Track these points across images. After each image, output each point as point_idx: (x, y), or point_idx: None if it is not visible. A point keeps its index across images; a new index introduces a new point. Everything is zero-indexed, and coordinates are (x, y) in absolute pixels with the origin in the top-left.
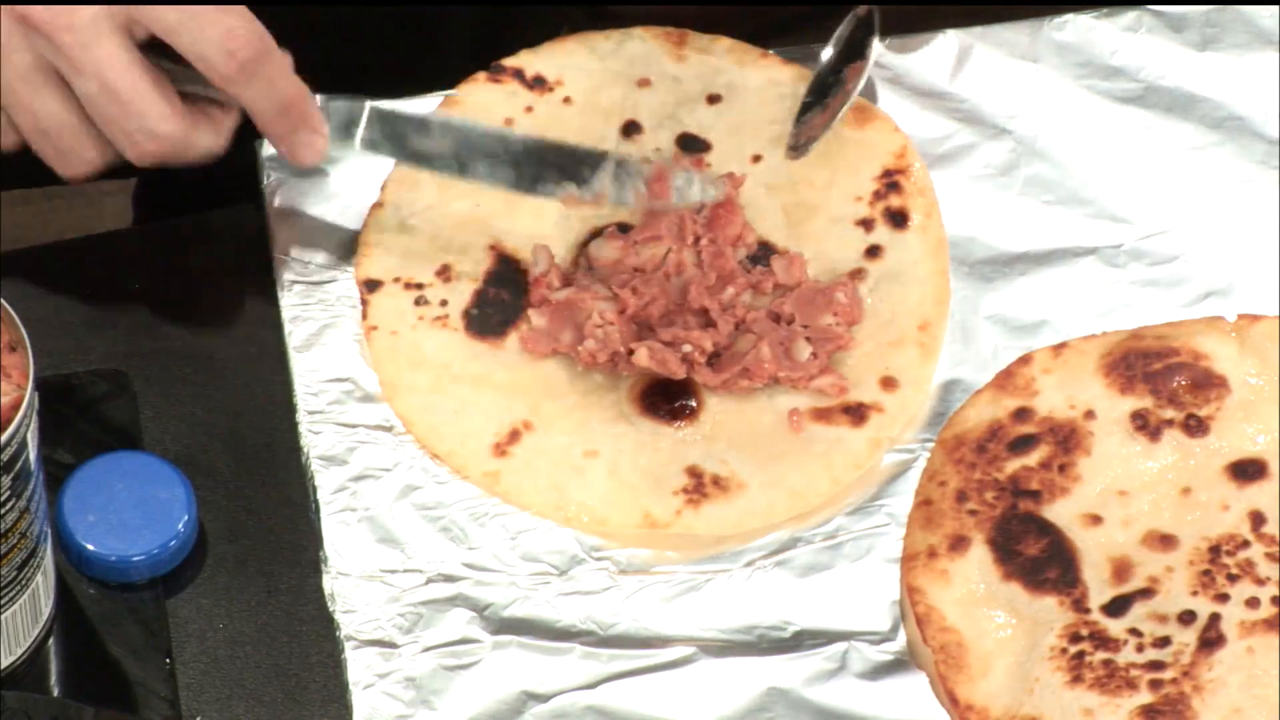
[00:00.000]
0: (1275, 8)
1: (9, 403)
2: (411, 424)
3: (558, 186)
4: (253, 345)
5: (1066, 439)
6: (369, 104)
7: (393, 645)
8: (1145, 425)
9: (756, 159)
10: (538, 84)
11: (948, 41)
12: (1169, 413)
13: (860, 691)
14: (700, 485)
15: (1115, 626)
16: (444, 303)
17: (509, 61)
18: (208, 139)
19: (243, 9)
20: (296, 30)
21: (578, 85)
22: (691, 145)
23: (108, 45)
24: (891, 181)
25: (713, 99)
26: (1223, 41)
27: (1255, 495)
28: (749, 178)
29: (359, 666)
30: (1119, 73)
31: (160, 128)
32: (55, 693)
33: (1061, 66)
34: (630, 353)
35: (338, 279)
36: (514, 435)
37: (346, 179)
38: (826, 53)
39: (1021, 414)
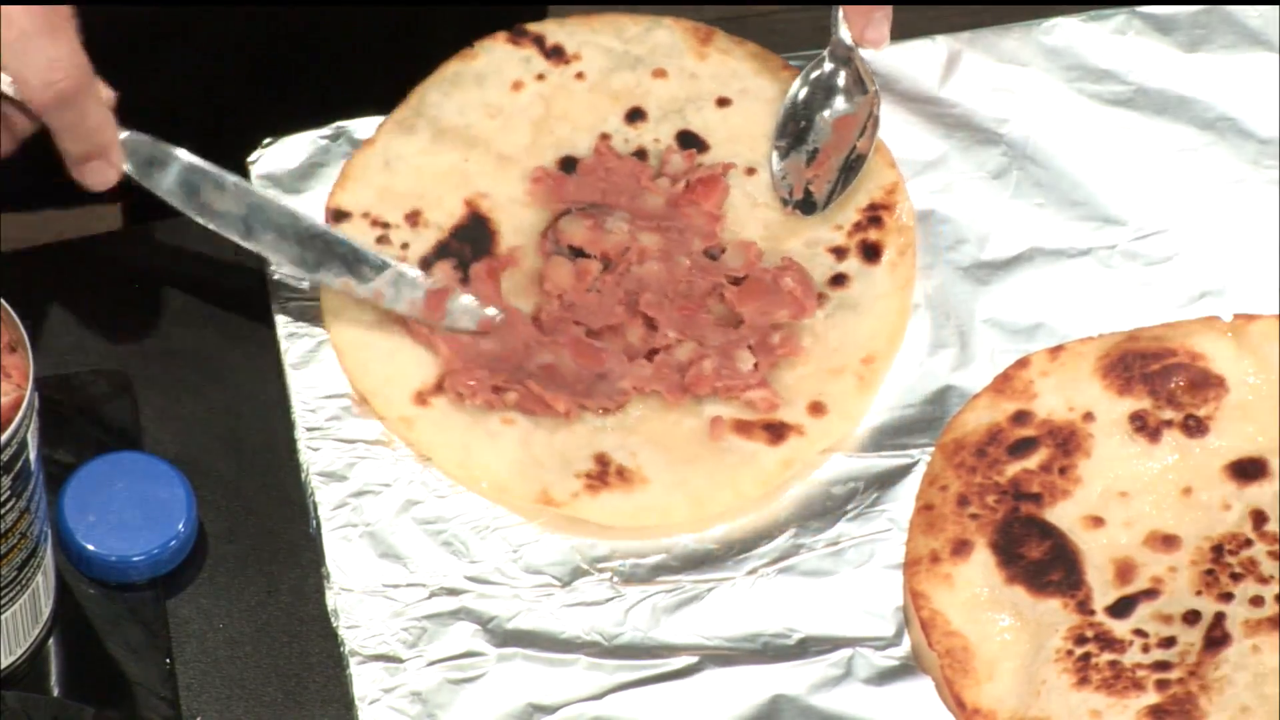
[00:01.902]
0: (1263, 8)
1: (9, 403)
2: (343, 355)
3: (337, 276)
4: (253, 345)
5: (1066, 441)
6: (173, 150)
7: (398, 660)
8: (1144, 426)
9: (751, 171)
10: (555, 54)
11: (936, 47)
12: (1168, 413)
13: (866, 697)
14: (604, 473)
15: (1120, 628)
16: (405, 245)
17: (533, 27)
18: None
19: (71, 38)
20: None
21: (594, 63)
22: (690, 143)
23: None
24: (874, 215)
25: (723, 102)
26: (1211, 42)
27: (1256, 494)
28: (737, 189)
29: (365, 681)
30: (1109, 75)
31: None
32: (55, 693)
33: (1051, 70)
34: (499, 390)
35: None
36: (438, 387)
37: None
38: (801, 92)
39: (1020, 417)
